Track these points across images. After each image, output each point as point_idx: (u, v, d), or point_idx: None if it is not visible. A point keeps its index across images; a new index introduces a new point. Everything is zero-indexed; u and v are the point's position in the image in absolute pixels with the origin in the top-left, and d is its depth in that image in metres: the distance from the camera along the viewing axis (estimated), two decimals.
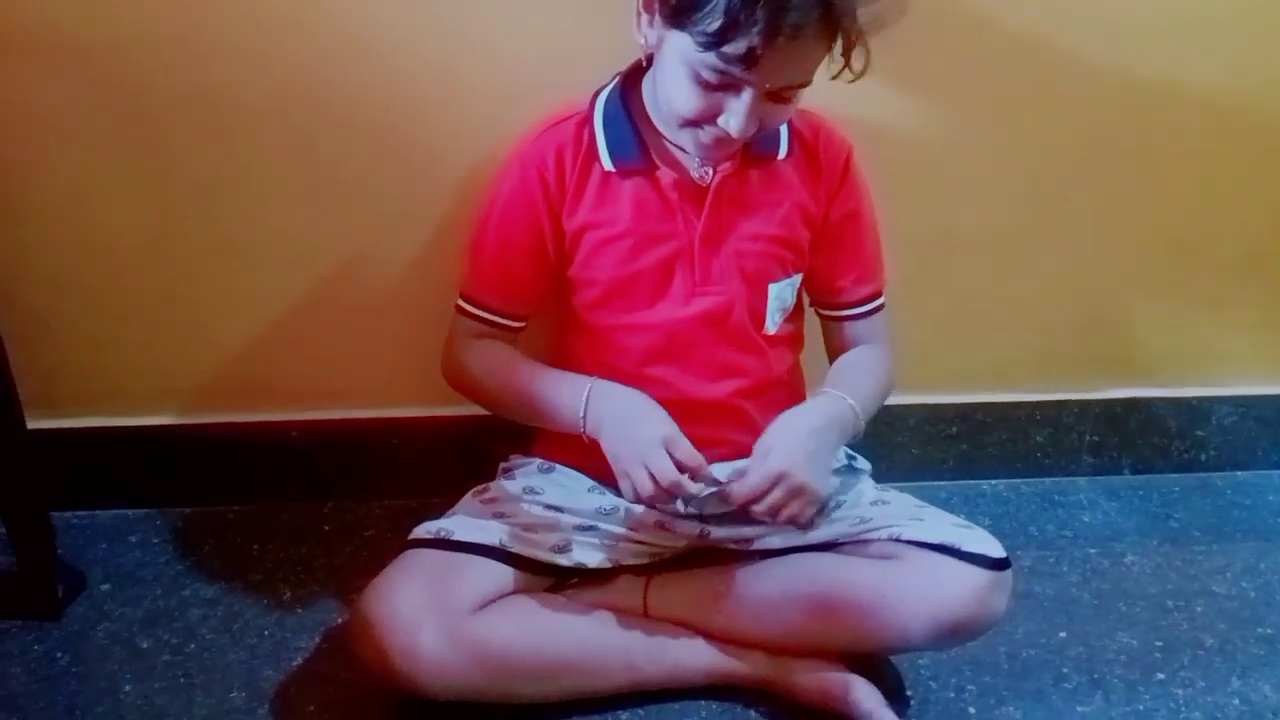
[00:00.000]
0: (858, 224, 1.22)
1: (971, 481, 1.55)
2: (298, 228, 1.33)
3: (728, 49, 0.95)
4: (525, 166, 1.15)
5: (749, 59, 0.96)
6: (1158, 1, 1.32)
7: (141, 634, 1.22)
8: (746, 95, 1.00)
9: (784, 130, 1.16)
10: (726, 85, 1.00)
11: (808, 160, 1.17)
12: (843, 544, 1.13)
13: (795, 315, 1.24)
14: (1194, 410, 1.57)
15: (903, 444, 1.53)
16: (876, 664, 1.16)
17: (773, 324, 1.20)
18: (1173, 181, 1.44)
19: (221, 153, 1.29)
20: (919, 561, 1.08)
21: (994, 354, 1.50)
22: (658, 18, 1.02)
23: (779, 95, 1.02)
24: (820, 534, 1.14)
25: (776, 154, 1.16)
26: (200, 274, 1.35)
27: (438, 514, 1.17)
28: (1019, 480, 1.56)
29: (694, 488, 1.06)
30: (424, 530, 1.13)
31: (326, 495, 1.45)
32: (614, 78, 1.16)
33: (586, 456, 1.16)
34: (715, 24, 0.94)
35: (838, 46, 1.00)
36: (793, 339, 1.25)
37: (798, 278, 1.21)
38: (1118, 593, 1.34)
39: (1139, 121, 1.39)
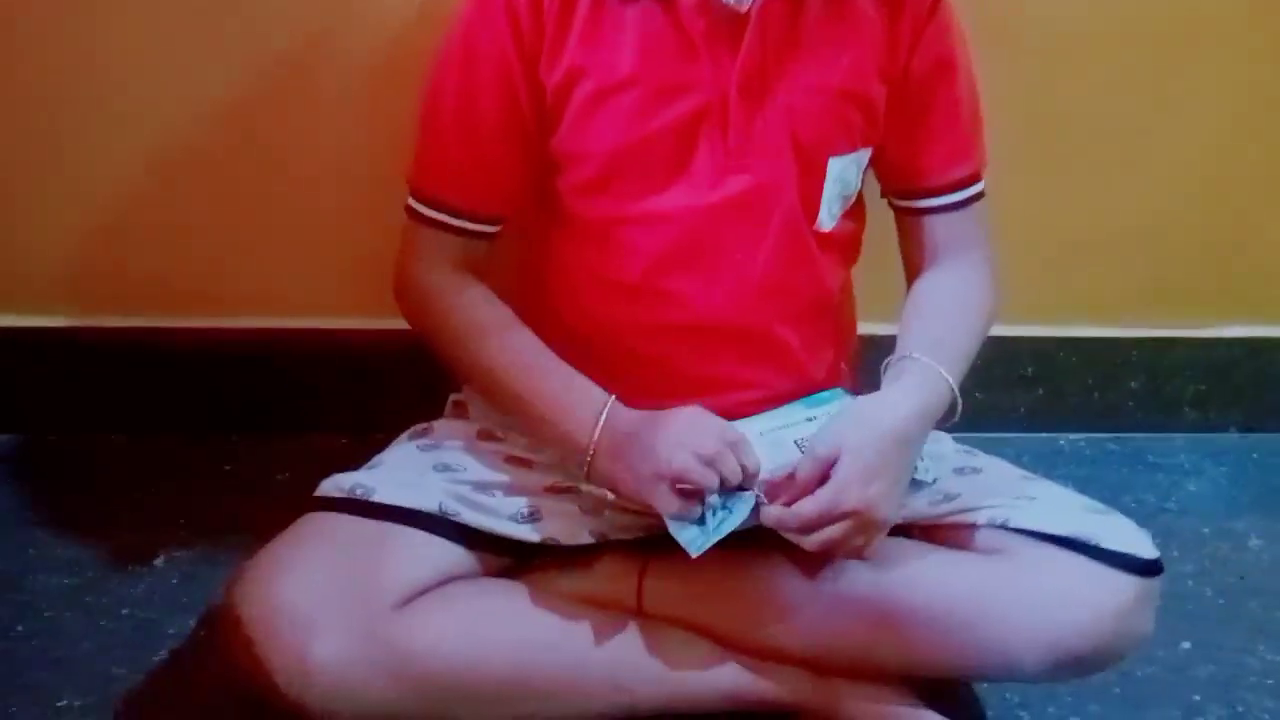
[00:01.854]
0: (950, 79, 0.92)
1: (1047, 435, 1.33)
2: (168, 73, 1.09)
3: None
4: None
5: None
6: None
7: None
8: None
9: None
10: None
11: None
12: (919, 528, 0.86)
13: (856, 209, 0.95)
14: None
15: (965, 386, 1.24)
16: (954, 689, 0.90)
17: (829, 217, 0.91)
18: None
19: None
20: (1034, 561, 0.81)
21: (1084, 277, 1.28)
22: None
23: None
24: None
25: None
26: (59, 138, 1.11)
27: (367, 458, 0.92)
28: (1104, 435, 1.34)
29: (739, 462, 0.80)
30: (335, 486, 0.85)
31: (230, 425, 1.22)
32: None
33: None
34: None
35: None
36: (850, 243, 0.96)
37: (866, 153, 0.91)
38: (1246, 589, 1.10)
39: None
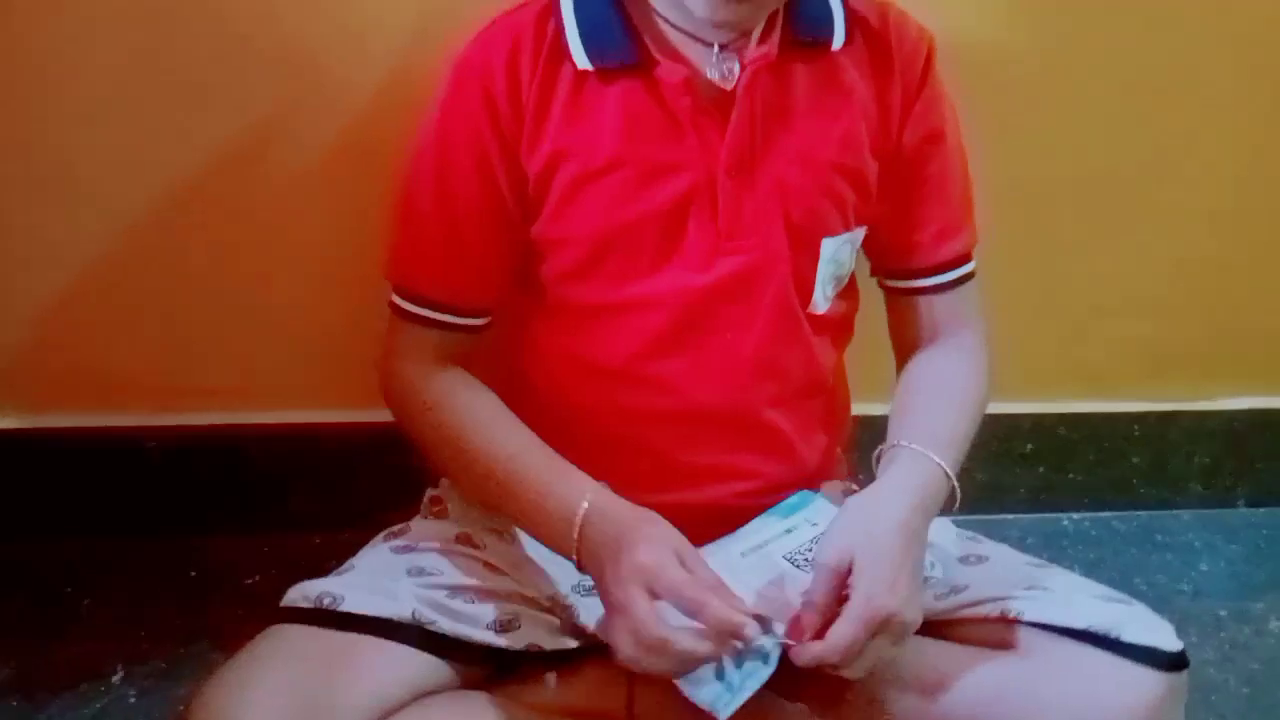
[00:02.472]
0: (942, 153, 0.89)
1: (1050, 515, 1.30)
2: (141, 157, 1.04)
3: None
4: (463, 81, 0.83)
5: None
6: None
7: None
8: None
9: (838, 8, 0.84)
10: None
11: (874, 54, 0.85)
12: (928, 624, 0.79)
13: (849, 289, 0.92)
14: None
15: (965, 466, 1.22)
16: None
17: (823, 298, 0.87)
18: None
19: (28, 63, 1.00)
20: (1056, 658, 0.75)
21: (1086, 350, 1.24)
22: None
23: None
24: None
25: (830, 40, 0.83)
26: (20, 220, 1.06)
27: (347, 556, 0.86)
28: (1110, 513, 1.30)
29: (730, 614, 0.70)
30: (301, 595, 0.78)
31: (194, 526, 1.16)
32: None
33: None
34: None
35: None
36: (843, 324, 0.92)
37: (860, 232, 0.88)
38: (1272, 677, 1.06)
39: None
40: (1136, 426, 1.27)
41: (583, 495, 0.77)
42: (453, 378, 0.87)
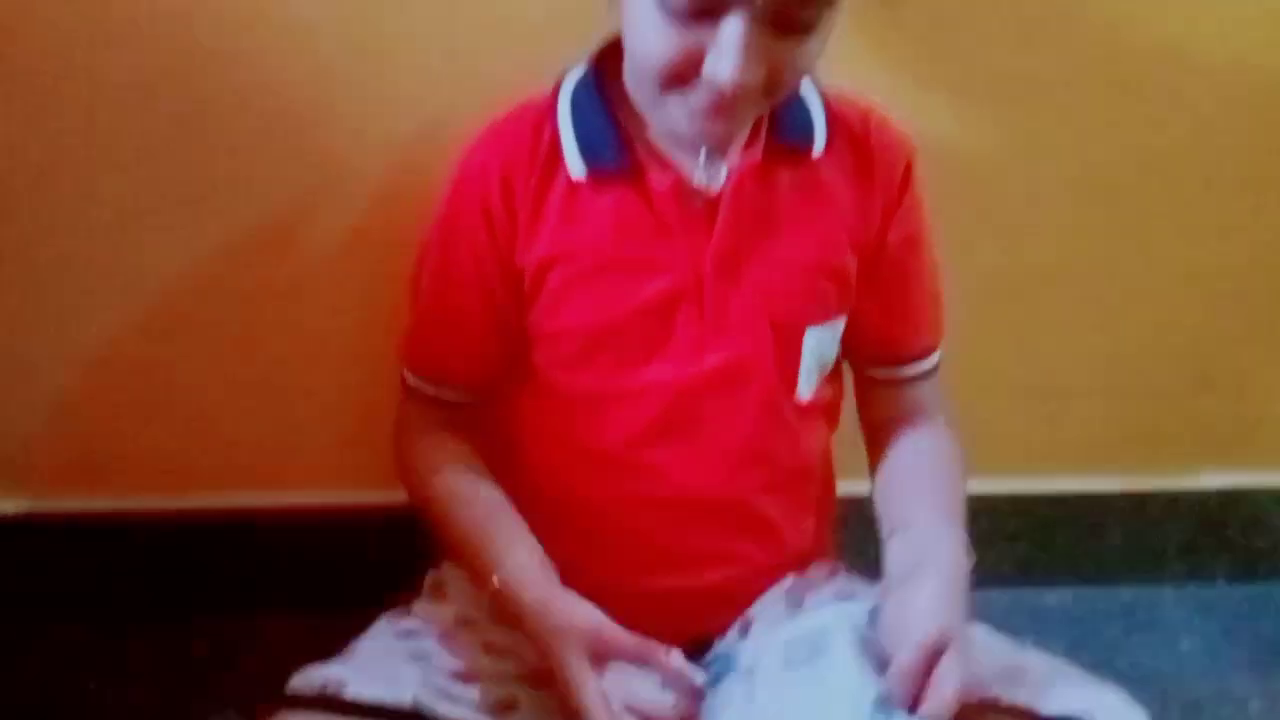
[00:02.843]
0: (919, 254, 0.93)
1: (1033, 590, 1.30)
2: (154, 249, 1.07)
3: None
4: (461, 188, 0.88)
5: None
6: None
7: None
8: (735, 20, 0.73)
9: (819, 115, 0.88)
10: (707, 10, 0.74)
11: (856, 159, 0.89)
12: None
13: (834, 375, 0.95)
14: None
15: None
16: None
17: (808, 387, 0.90)
18: None
19: (53, 143, 1.02)
20: None
21: (1063, 430, 1.26)
22: None
23: (788, 18, 0.74)
24: None
25: (812, 146, 0.87)
26: (31, 309, 1.08)
27: (347, 637, 0.87)
28: (1091, 589, 1.31)
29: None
30: (305, 682, 0.80)
31: (199, 607, 1.17)
32: (583, 61, 0.88)
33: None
34: None
35: None
36: (829, 410, 0.96)
37: (841, 321, 0.91)
38: None
39: (1262, 130, 1.15)
40: (1115, 505, 1.28)
41: (501, 565, 0.83)
42: (452, 451, 0.92)
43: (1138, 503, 1.29)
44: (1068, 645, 1.17)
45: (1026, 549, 1.29)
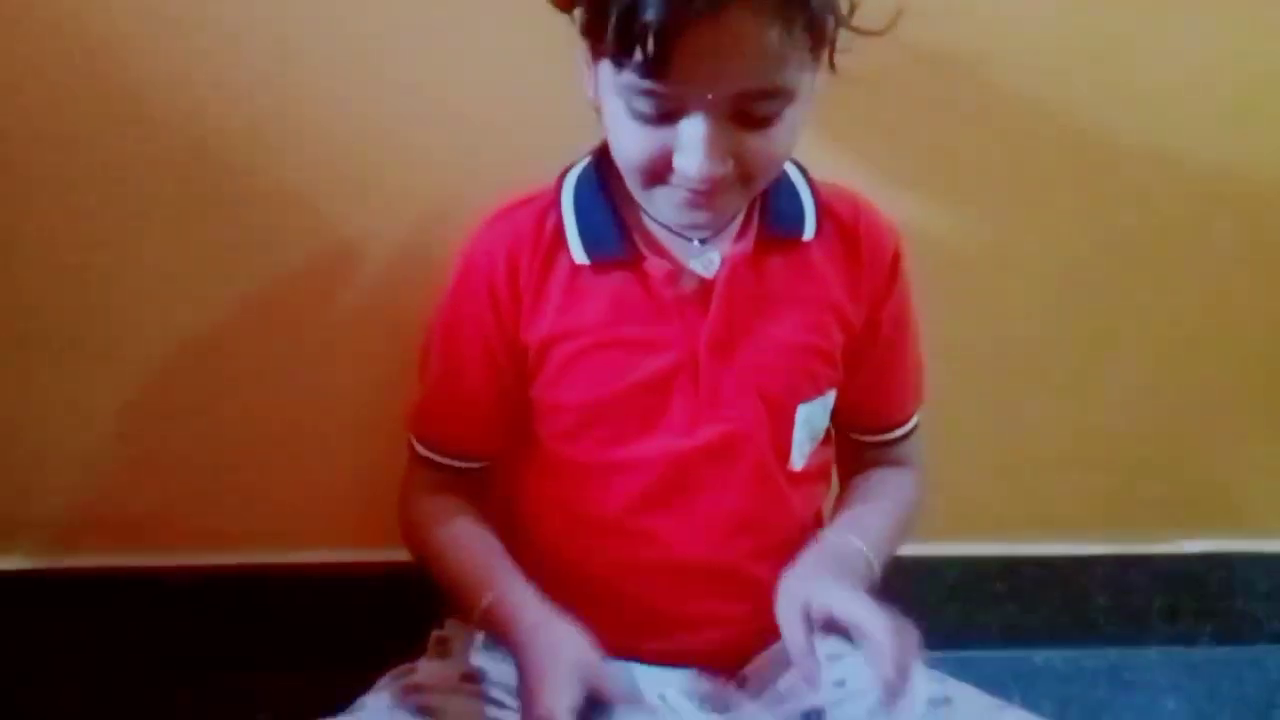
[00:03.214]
0: (905, 335, 0.98)
1: (1021, 652, 1.32)
2: (175, 321, 1.10)
3: (635, 52, 0.74)
4: (467, 270, 0.93)
5: (660, 57, 0.74)
6: (1239, 80, 1.12)
7: None
8: (694, 120, 0.77)
9: (809, 203, 0.92)
10: (668, 113, 0.78)
11: (845, 246, 0.93)
12: None
13: (826, 441, 0.99)
14: None
15: (937, 604, 1.30)
16: None
17: (800, 456, 0.94)
18: (1271, 290, 1.22)
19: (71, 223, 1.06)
20: None
21: (1047, 497, 1.28)
22: (588, 56, 0.82)
23: (746, 113, 0.78)
24: None
25: (801, 233, 0.91)
26: (37, 375, 1.11)
27: (354, 690, 0.89)
28: (1077, 651, 1.32)
29: None
30: None
31: (205, 664, 1.18)
32: (586, 155, 0.93)
33: None
34: (613, 25, 0.74)
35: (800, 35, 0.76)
36: (821, 474, 0.99)
37: (831, 395, 0.95)
38: None
39: (1226, 218, 1.18)
40: (1097, 568, 1.30)
41: (489, 592, 0.86)
42: (454, 510, 0.95)
43: (1121, 566, 1.30)
44: (1056, 705, 1.22)
45: (1015, 611, 1.31)
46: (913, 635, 0.78)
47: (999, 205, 1.14)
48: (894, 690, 0.76)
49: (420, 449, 0.98)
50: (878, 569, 0.89)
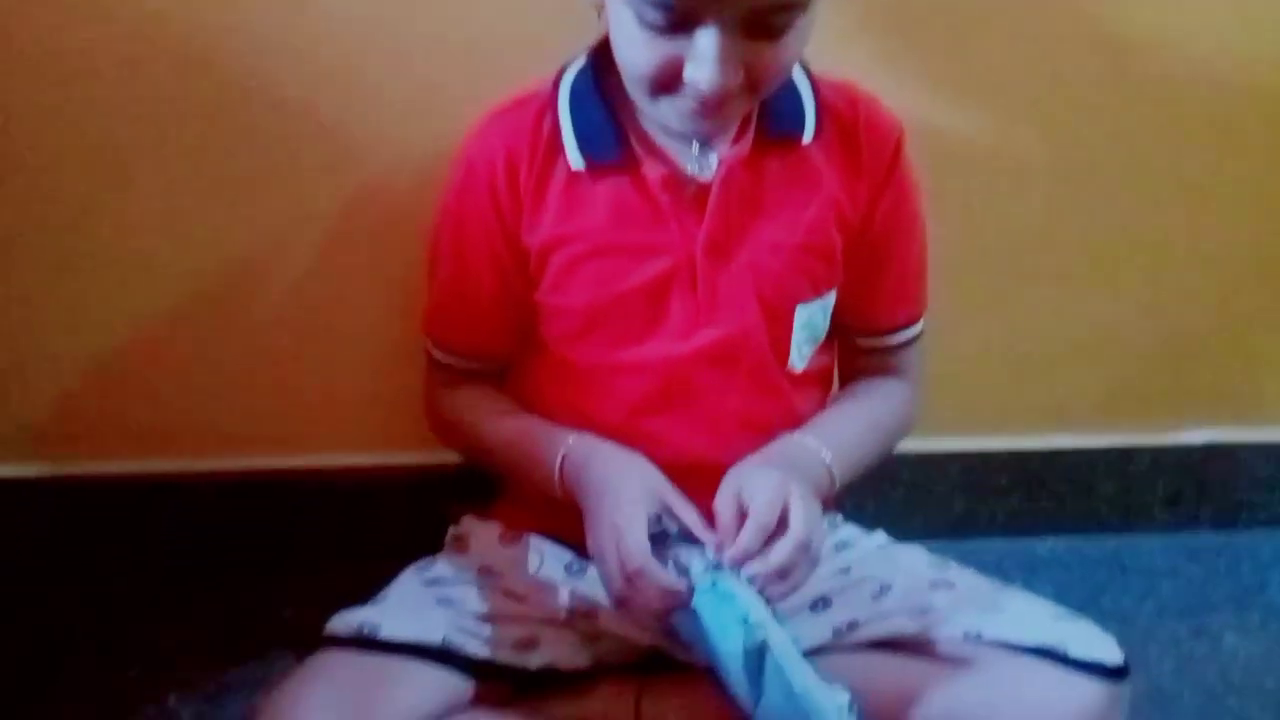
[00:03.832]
0: (906, 230, 0.97)
1: (1025, 540, 1.33)
2: (198, 230, 1.11)
3: None
4: (469, 171, 0.93)
5: None
6: None
7: None
8: (708, 31, 0.76)
9: (810, 103, 0.91)
10: (680, 23, 0.77)
11: (844, 144, 0.92)
12: (901, 642, 0.88)
13: (826, 345, 0.99)
14: None
15: (943, 497, 1.32)
16: None
17: (800, 358, 0.95)
18: (1273, 188, 1.22)
19: (97, 136, 1.06)
20: (1010, 672, 0.82)
21: (1052, 390, 1.29)
22: None
23: (760, 24, 0.77)
24: (871, 630, 0.89)
25: (801, 135, 0.91)
26: (79, 284, 1.11)
27: (375, 589, 0.93)
28: (1080, 539, 1.34)
29: (665, 581, 0.79)
30: (343, 624, 0.87)
31: (235, 563, 1.20)
32: (583, 54, 0.92)
33: (562, 521, 0.91)
34: None
35: None
36: (822, 376, 1.00)
37: (831, 296, 0.96)
38: (1225, 687, 1.11)
39: (1233, 106, 1.17)
40: (1102, 459, 1.31)
41: (567, 439, 0.89)
42: (481, 393, 0.98)
43: (1125, 457, 1.32)
44: (1056, 590, 1.23)
45: (1019, 502, 1.32)
46: (804, 549, 0.79)
47: (1009, 101, 1.14)
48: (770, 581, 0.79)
49: (436, 353, 1.00)
50: (837, 474, 0.90)
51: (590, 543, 0.83)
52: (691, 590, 0.79)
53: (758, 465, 0.85)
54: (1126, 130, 1.17)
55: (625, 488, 0.83)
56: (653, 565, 0.79)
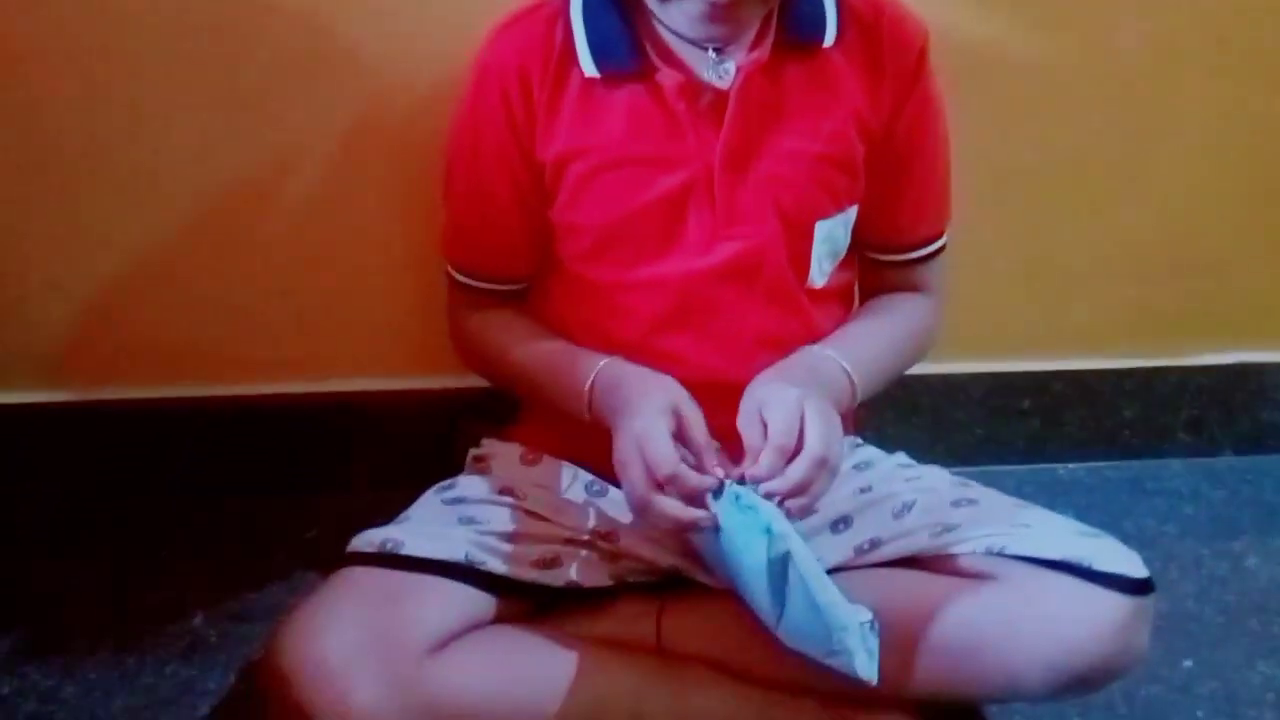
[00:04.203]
0: (930, 141, 0.95)
1: (1046, 465, 1.33)
2: (209, 150, 1.09)
3: None
4: (481, 81, 0.91)
5: None
6: None
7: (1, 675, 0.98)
8: None
9: (831, 6, 0.89)
10: None
11: (867, 49, 0.90)
12: (922, 560, 0.88)
13: (847, 261, 0.98)
14: None
15: (964, 421, 1.31)
16: (965, 713, 0.92)
17: (820, 274, 0.94)
18: None
19: (104, 54, 1.05)
20: (1032, 586, 0.82)
21: (1075, 312, 1.28)
22: None
23: None
24: (893, 548, 0.89)
25: (822, 39, 0.88)
26: (91, 208, 1.11)
27: (396, 512, 0.94)
28: (1102, 463, 1.34)
29: (694, 479, 0.78)
30: (366, 542, 0.87)
31: (257, 486, 1.21)
32: None
33: (583, 443, 0.92)
34: None
35: None
36: (844, 293, 0.99)
37: (853, 211, 0.94)
38: (1247, 607, 1.11)
39: (1269, 20, 1.15)
40: (1126, 382, 1.30)
41: (597, 363, 0.87)
42: (506, 317, 0.98)
43: (1147, 380, 1.31)
44: (1077, 513, 1.20)
45: (1040, 426, 1.32)
46: (821, 464, 0.79)
47: (1040, 12, 1.11)
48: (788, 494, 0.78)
49: (456, 275, 0.99)
50: (859, 384, 0.89)
51: (616, 455, 0.82)
52: (718, 491, 0.78)
53: (775, 381, 0.84)
54: (1157, 45, 1.14)
55: (650, 402, 0.82)
56: (683, 469, 0.78)
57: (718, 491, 0.79)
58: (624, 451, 0.80)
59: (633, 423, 0.81)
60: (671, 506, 0.78)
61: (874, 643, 0.77)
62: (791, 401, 0.80)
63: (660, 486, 0.78)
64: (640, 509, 0.80)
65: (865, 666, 0.77)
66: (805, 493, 0.78)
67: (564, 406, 0.90)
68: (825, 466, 0.79)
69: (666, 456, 0.78)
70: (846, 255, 0.97)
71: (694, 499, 0.78)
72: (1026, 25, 1.12)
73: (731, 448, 0.83)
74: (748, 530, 0.77)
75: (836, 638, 0.76)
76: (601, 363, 0.88)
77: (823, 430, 0.79)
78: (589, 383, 0.87)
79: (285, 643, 0.79)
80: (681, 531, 0.82)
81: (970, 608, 0.83)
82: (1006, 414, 1.31)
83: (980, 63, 1.10)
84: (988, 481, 0.97)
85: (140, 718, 0.94)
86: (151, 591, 1.08)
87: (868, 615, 0.78)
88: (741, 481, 0.79)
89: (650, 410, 0.81)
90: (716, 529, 0.79)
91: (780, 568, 0.76)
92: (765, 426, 0.80)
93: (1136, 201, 1.22)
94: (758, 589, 0.79)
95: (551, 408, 0.93)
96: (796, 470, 0.78)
